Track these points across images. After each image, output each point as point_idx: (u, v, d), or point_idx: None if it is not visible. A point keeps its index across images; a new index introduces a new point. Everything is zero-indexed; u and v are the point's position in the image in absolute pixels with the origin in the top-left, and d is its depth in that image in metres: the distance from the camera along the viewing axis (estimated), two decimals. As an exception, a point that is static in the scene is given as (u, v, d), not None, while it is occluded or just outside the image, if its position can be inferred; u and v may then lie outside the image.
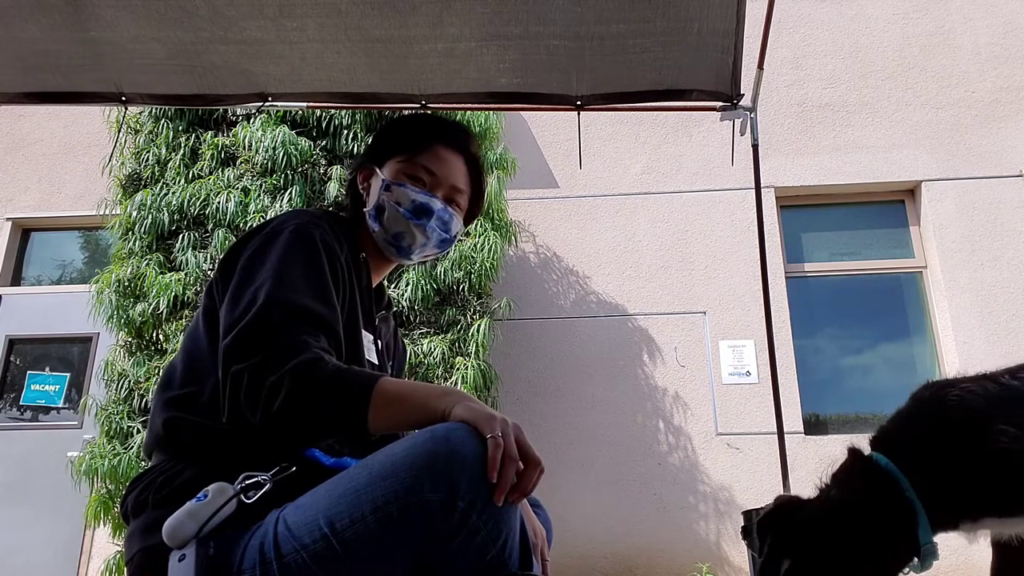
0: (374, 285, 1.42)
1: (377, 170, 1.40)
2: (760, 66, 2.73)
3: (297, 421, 1.00)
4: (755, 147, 2.96)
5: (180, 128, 4.59)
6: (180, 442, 1.11)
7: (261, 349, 1.03)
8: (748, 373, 4.76)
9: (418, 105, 2.61)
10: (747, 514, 2.75)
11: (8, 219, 5.56)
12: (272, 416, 1.00)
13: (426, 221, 1.36)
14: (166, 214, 4.30)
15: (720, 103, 2.64)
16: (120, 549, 3.98)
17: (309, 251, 1.17)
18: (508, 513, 0.91)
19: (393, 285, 4.18)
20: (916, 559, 1.32)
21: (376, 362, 1.31)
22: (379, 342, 1.36)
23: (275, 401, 0.99)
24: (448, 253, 1.57)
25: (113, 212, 4.57)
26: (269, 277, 1.11)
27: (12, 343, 5.23)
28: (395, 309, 1.54)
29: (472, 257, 4.22)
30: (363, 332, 1.27)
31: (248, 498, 0.98)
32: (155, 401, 1.19)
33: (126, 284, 4.20)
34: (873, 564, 1.26)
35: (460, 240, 4.30)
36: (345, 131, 4.44)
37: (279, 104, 2.65)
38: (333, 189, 4.28)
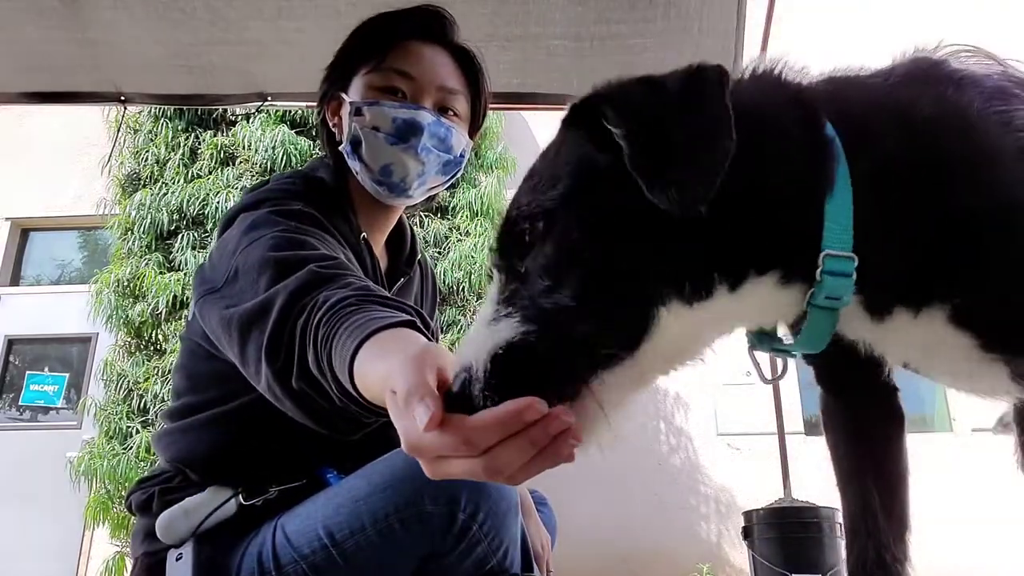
0: (384, 240, 1.23)
1: (344, 96, 1.12)
2: (760, 66, 2.73)
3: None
4: (755, 147, 2.96)
5: (179, 128, 4.59)
6: (192, 450, 1.07)
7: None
8: (748, 374, 4.76)
9: (417, 105, 2.61)
10: (747, 514, 2.76)
11: (8, 219, 5.56)
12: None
13: (416, 141, 1.07)
14: (165, 214, 4.29)
15: (720, 103, 2.64)
16: (119, 549, 3.98)
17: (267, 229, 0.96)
18: (509, 523, 0.90)
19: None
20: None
21: None
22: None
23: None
24: (457, 178, 1.20)
25: (112, 212, 4.57)
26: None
27: (11, 343, 5.23)
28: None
29: (472, 257, 4.22)
30: None
31: (246, 500, 0.97)
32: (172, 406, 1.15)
33: (125, 284, 4.20)
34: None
35: (460, 240, 4.29)
36: (345, 131, 4.44)
37: (279, 104, 2.65)
38: (333, 189, 4.28)
